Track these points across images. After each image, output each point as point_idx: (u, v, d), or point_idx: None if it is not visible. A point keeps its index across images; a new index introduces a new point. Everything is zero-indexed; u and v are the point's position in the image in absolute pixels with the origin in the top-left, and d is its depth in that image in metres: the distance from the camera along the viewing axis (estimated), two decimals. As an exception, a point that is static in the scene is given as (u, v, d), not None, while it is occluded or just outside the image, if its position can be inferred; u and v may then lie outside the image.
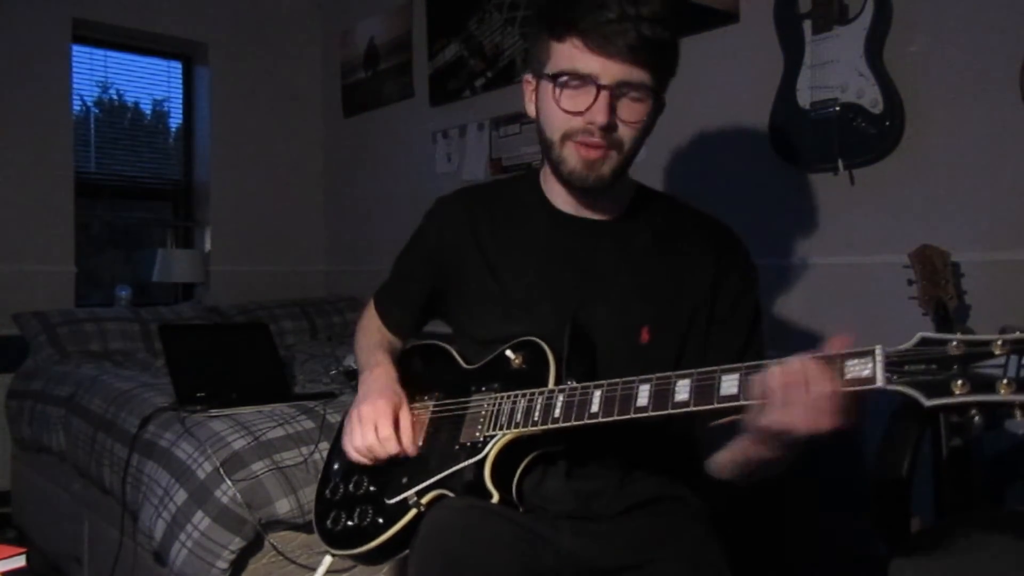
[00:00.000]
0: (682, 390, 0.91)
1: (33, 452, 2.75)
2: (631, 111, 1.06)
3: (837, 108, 1.89)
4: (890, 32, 1.89)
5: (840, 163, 1.92)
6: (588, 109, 1.04)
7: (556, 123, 1.08)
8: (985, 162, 1.80)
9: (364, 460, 1.16)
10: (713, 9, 2.26)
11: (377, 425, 1.13)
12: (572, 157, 1.08)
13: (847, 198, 2.01)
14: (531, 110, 1.16)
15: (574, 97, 1.05)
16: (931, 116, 1.87)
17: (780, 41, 2.04)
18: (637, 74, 1.03)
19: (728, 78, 2.22)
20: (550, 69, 1.07)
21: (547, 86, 1.08)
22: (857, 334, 0.84)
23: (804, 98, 1.96)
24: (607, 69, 1.02)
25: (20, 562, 1.22)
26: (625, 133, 1.07)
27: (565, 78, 1.05)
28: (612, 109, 1.04)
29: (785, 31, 2.03)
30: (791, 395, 0.83)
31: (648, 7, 1.01)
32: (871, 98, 1.86)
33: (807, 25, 1.96)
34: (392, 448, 1.13)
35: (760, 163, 2.14)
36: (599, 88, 1.03)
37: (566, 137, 1.08)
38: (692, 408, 0.90)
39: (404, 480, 1.13)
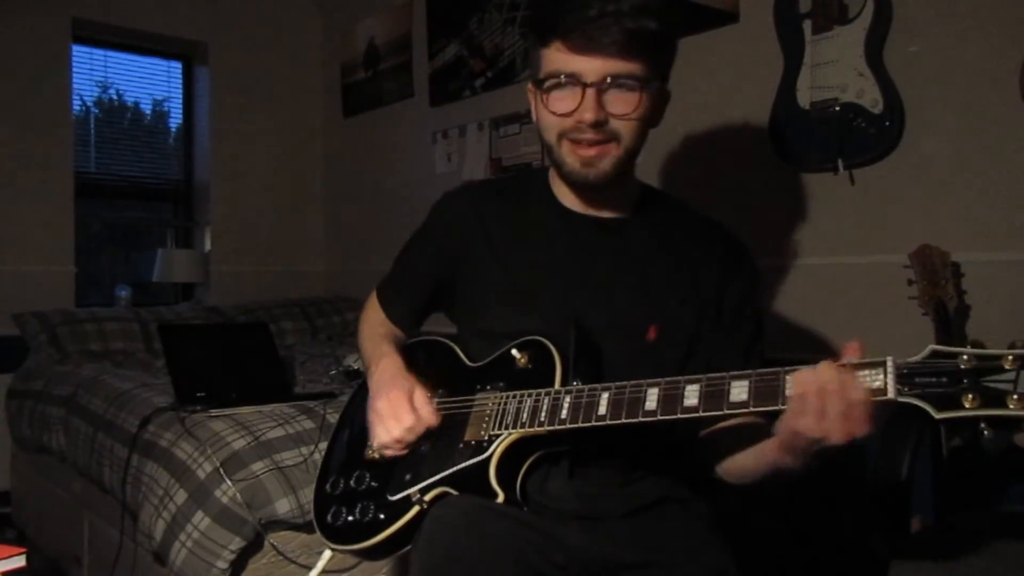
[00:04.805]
0: (691, 395, 0.92)
1: (33, 452, 2.75)
2: (622, 103, 1.07)
3: (837, 108, 1.89)
4: (890, 32, 1.89)
5: (840, 163, 1.92)
6: (577, 109, 1.06)
7: (551, 126, 1.11)
8: (985, 162, 1.80)
9: (397, 453, 1.15)
10: (713, 9, 2.25)
11: (397, 417, 1.13)
12: (570, 157, 1.11)
13: (847, 198, 2.01)
14: (534, 117, 1.18)
15: (562, 99, 1.08)
16: (931, 116, 1.87)
17: (780, 41, 2.04)
18: (624, 66, 1.05)
19: (728, 78, 2.21)
20: (540, 75, 1.10)
21: (539, 92, 1.11)
22: (857, 334, 0.84)
23: (804, 98, 1.96)
24: (591, 66, 1.05)
25: (20, 562, 1.22)
26: (621, 126, 1.08)
27: (551, 81, 1.08)
28: (601, 105, 1.06)
29: (785, 31, 2.02)
30: (827, 402, 0.82)
31: (630, 1, 1.02)
32: (871, 98, 1.86)
33: (807, 25, 1.96)
34: (420, 430, 1.13)
35: (760, 163, 2.14)
36: (584, 87, 1.05)
37: (562, 136, 1.10)
38: (701, 414, 0.91)
39: (407, 477, 1.12)
